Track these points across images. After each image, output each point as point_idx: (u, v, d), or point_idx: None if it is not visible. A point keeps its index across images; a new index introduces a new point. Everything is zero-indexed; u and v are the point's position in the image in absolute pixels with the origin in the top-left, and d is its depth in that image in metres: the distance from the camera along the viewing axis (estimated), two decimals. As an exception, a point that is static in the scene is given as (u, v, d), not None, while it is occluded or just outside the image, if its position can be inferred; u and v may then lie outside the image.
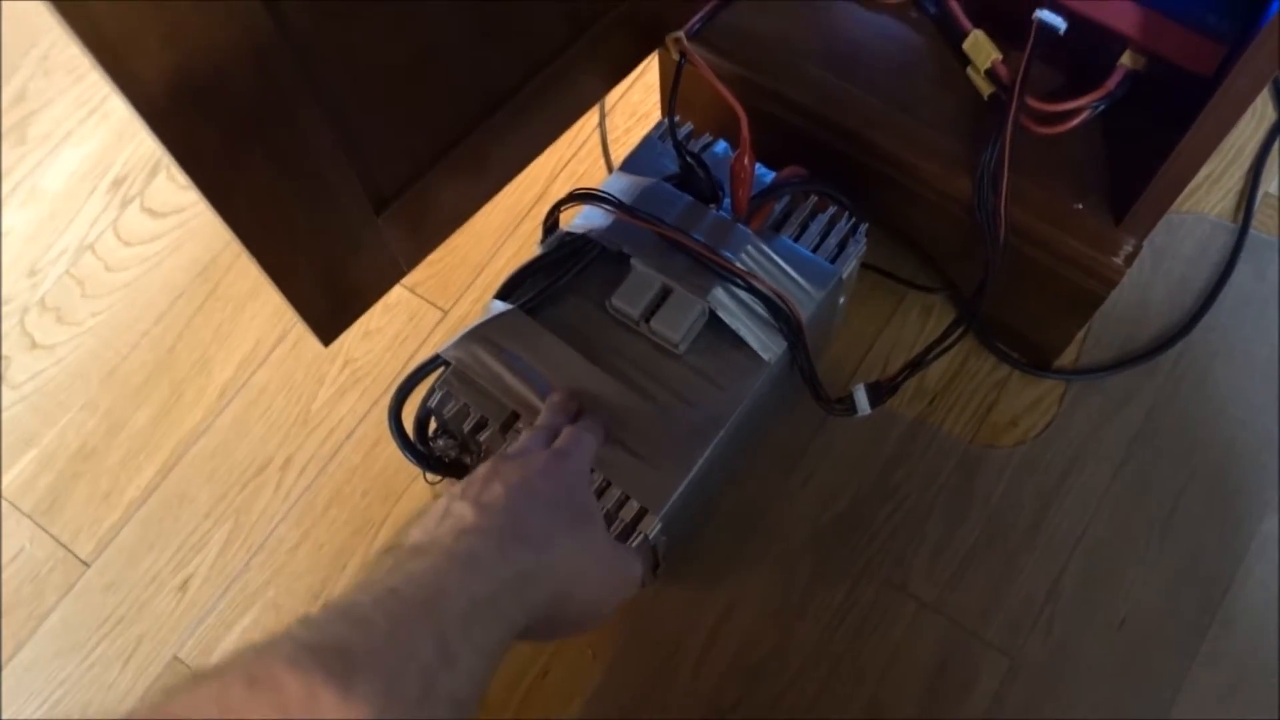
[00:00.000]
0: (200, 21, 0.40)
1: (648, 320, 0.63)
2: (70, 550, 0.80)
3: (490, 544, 0.45)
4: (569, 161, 0.91)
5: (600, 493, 0.60)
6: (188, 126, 0.43)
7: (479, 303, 0.86)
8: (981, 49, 0.68)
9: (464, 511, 0.48)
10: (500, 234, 0.88)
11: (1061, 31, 0.65)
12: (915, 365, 0.72)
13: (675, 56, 0.68)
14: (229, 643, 0.76)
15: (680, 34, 0.68)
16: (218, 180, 0.46)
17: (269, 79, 0.44)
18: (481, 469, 0.53)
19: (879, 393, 0.70)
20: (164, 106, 0.41)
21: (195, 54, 0.40)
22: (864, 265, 0.76)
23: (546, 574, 0.46)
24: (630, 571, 0.54)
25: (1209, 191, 0.85)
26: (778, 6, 0.74)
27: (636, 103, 0.93)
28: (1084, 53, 0.67)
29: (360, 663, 0.36)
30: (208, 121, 0.43)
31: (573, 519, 0.50)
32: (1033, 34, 0.65)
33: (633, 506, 0.60)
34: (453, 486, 0.52)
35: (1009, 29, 0.67)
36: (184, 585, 0.78)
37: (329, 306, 0.59)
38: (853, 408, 0.69)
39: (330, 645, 0.36)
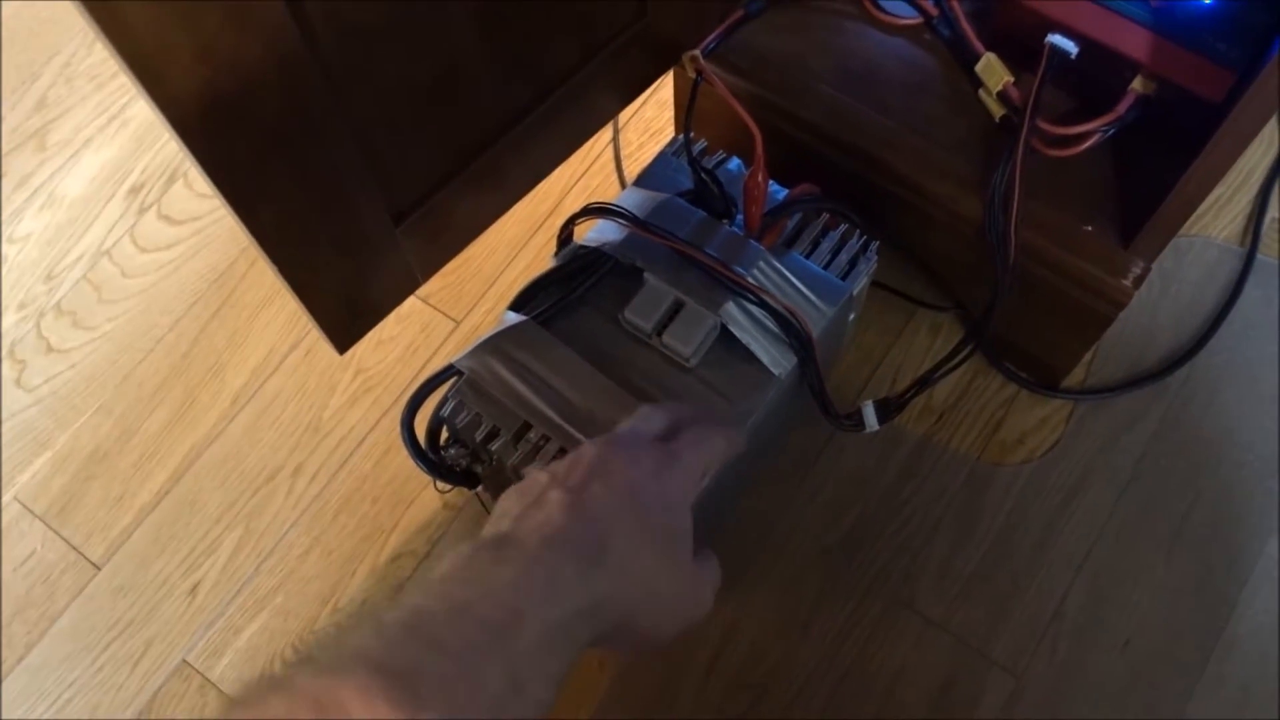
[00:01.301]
0: (233, 38, 0.40)
1: (660, 334, 0.64)
2: (81, 553, 0.80)
3: (571, 563, 0.43)
4: (582, 176, 0.92)
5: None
6: (218, 139, 0.43)
7: (492, 314, 0.87)
8: (994, 72, 0.69)
9: (554, 510, 0.45)
10: (513, 246, 0.89)
11: (1073, 56, 0.66)
12: (923, 383, 0.73)
13: (691, 75, 0.69)
14: (238, 647, 0.76)
15: (697, 53, 0.69)
16: (244, 191, 0.47)
17: (298, 94, 0.45)
18: (590, 452, 0.49)
19: (887, 409, 0.70)
20: (195, 119, 0.42)
21: (227, 69, 0.41)
22: (874, 283, 0.76)
23: (618, 601, 0.44)
24: (703, 597, 0.51)
25: (1217, 215, 0.86)
26: (792, 26, 0.75)
27: (650, 119, 0.94)
28: (1095, 77, 0.67)
29: (429, 694, 0.35)
30: (237, 134, 0.44)
31: (661, 541, 0.47)
32: (1045, 58, 0.66)
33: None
34: (556, 463, 0.49)
35: (1021, 52, 0.68)
36: (194, 589, 0.78)
37: (345, 316, 0.60)
38: (861, 424, 0.70)
39: (400, 670, 0.36)
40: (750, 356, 0.64)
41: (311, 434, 0.83)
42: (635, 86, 0.70)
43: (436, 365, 0.83)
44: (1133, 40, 0.65)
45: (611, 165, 0.93)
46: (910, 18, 0.74)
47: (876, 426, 0.70)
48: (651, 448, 0.50)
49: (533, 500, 0.46)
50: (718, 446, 0.53)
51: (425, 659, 0.37)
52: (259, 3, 0.41)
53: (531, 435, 0.62)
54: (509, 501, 0.47)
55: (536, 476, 0.48)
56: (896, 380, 0.82)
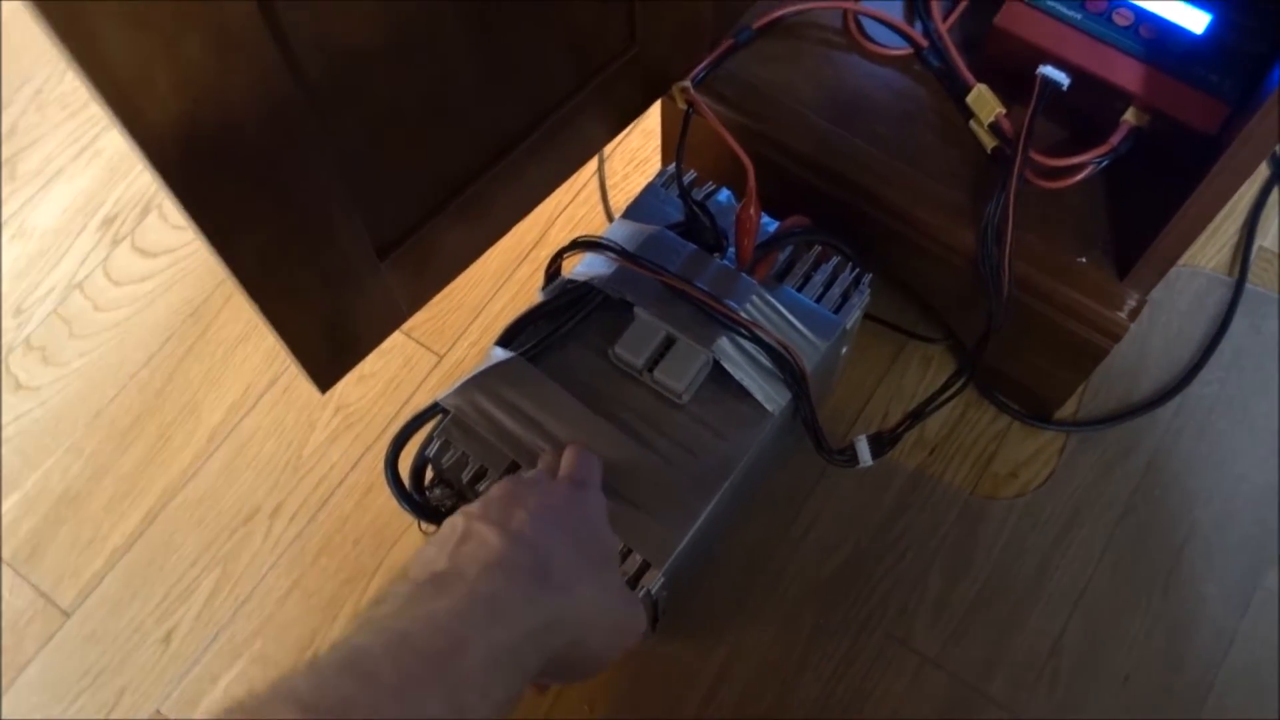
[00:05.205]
0: (215, 69, 0.39)
1: (651, 370, 0.62)
2: (50, 599, 0.77)
3: (516, 586, 0.43)
4: (567, 206, 0.91)
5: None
6: (196, 171, 0.42)
7: (475, 347, 0.85)
8: (985, 103, 0.68)
9: (488, 537, 0.45)
10: (497, 278, 0.88)
11: (1065, 87, 0.65)
12: (916, 416, 0.72)
13: (682, 106, 0.68)
14: (214, 697, 0.73)
15: (687, 84, 0.68)
16: (222, 225, 0.45)
17: (281, 125, 0.44)
18: (497, 489, 0.51)
19: (881, 444, 0.69)
20: (173, 151, 0.40)
21: (208, 100, 0.40)
22: (865, 315, 0.75)
23: (568, 621, 0.45)
24: (638, 620, 0.53)
25: (1205, 245, 0.86)
26: (781, 56, 0.74)
27: (635, 149, 0.93)
28: (1088, 108, 0.67)
29: None
30: (217, 167, 0.43)
31: (596, 560, 0.49)
32: (1037, 90, 0.65)
33: (635, 559, 0.59)
34: (467, 505, 0.50)
35: (1013, 83, 0.68)
36: (168, 636, 0.76)
37: (327, 353, 0.58)
38: (855, 459, 0.69)
39: (330, 704, 0.35)
40: (743, 392, 0.62)
41: (291, 473, 0.81)
42: (625, 116, 0.69)
43: (420, 401, 0.82)
44: (1124, 72, 0.65)
45: (596, 195, 0.91)
46: (900, 48, 0.74)
47: (870, 462, 0.68)
48: (557, 481, 0.54)
49: (459, 537, 0.46)
50: (598, 465, 0.57)
51: (358, 693, 0.36)
52: (242, 29, 0.39)
53: (521, 475, 0.60)
54: (430, 549, 0.47)
55: (452, 521, 0.48)
56: (888, 413, 0.81)
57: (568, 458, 0.56)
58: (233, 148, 0.43)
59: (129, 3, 0.35)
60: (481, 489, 0.61)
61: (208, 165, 0.42)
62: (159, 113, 0.39)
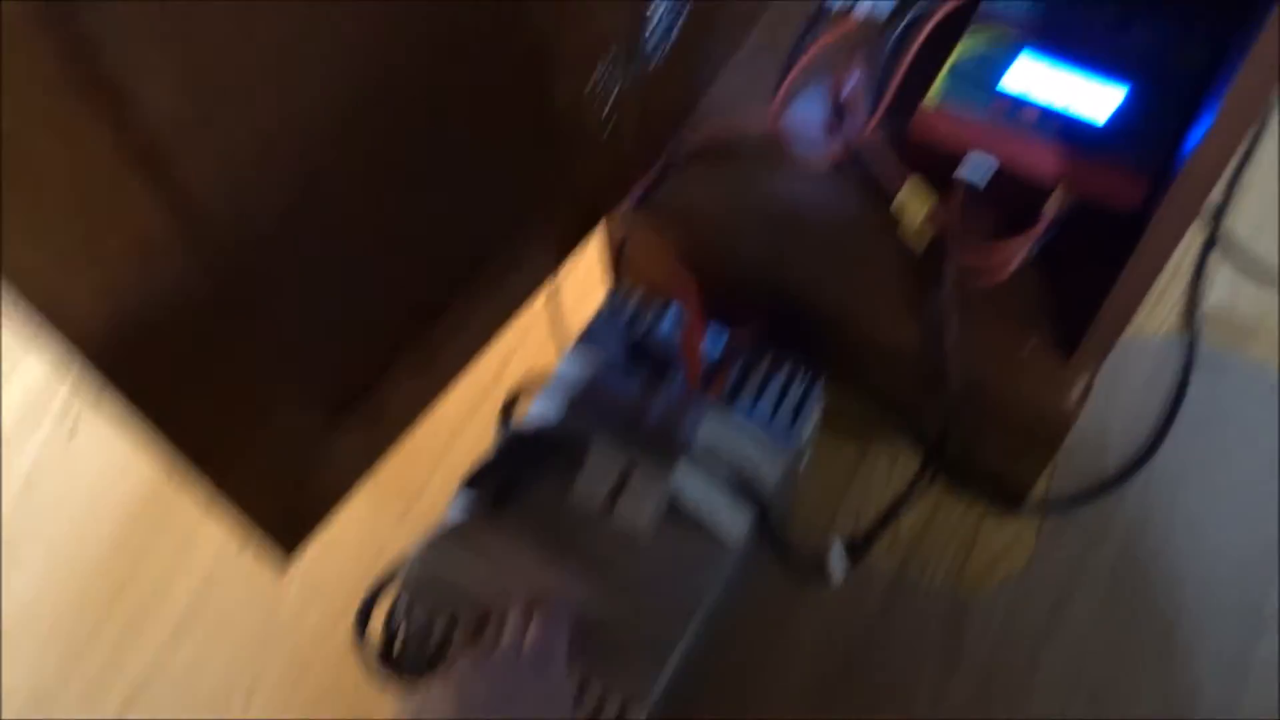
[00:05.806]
0: (135, 277, 0.39)
1: (611, 506, 0.62)
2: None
3: None
4: (530, 329, 0.90)
5: (580, 690, 0.57)
6: (126, 370, 0.42)
7: (443, 493, 0.84)
8: (914, 201, 0.69)
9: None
10: (459, 419, 0.87)
11: (982, 188, 0.66)
12: (887, 518, 0.71)
13: (618, 236, 0.69)
14: None
15: (622, 213, 0.69)
16: (162, 415, 0.45)
17: (209, 326, 0.44)
18: (460, 670, 0.52)
19: (855, 553, 0.68)
20: (100, 350, 0.40)
21: (132, 308, 0.40)
22: (825, 416, 0.75)
23: None
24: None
25: (1153, 312, 0.86)
26: (714, 175, 0.75)
27: (589, 268, 0.94)
28: (1011, 200, 0.68)
29: None
30: (147, 365, 0.43)
31: None
32: (957, 196, 0.66)
33: (615, 701, 0.57)
34: (429, 682, 0.51)
35: (939, 177, 0.69)
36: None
37: (286, 521, 0.58)
38: (828, 579, 0.68)
39: None
40: (706, 521, 0.62)
41: (261, 649, 0.79)
42: (565, 249, 0.70)
43: (390, 556, 0.80)
44: (1040, 163, 0.66)
45: (551, 321, 0.91)
46: (828, 155, 0.74)
47: (844, 574, 0.68)
48: (520, 661, 0.55)
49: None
50: (563, 626, 0.57)
51: None
52: (157, 242, 0.40)
53: (489, 631, 0.59)
54: None
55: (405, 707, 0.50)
56: (859, 516, 0.80)
57: (534, 630, 0.56)
58: (162, 344, 0.43)
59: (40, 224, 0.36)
60: (450, 650, 0.60)
61: (138, 361, 0.43)
62: (82, 315, 0.39)
